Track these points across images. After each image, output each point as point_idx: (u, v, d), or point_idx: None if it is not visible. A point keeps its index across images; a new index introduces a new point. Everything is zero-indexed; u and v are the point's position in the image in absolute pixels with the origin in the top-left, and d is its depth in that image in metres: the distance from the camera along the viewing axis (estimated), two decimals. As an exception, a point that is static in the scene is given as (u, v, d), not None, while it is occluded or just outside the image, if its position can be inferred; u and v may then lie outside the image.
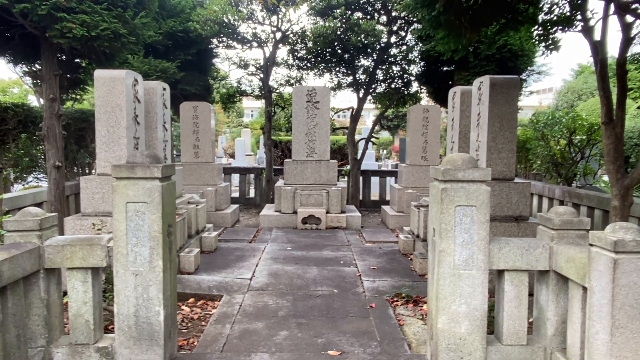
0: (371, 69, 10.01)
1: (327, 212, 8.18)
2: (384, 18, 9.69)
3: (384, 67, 10.14)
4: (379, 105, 11.43)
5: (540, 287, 3.04)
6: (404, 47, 10.06)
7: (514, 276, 2.98)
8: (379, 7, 9.44)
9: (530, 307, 3.10)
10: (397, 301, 4.54)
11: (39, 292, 2.90)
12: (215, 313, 4.15)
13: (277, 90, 10.73)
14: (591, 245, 2.51)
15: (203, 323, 4.00)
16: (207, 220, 7.38)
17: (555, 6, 4.52)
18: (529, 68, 9.30)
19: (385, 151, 27.65)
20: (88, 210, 5.07)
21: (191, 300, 4.50)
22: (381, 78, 10.33)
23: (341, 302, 4.44)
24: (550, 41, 4.68)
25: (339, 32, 8.96)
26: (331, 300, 4.49)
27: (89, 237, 3.12)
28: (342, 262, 5.84)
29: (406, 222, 7.91)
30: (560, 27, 4.50)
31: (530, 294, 3.05)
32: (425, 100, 12.72)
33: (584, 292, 2.61)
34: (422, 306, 4.39)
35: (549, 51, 4.77)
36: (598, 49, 3.89)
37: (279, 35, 9.56)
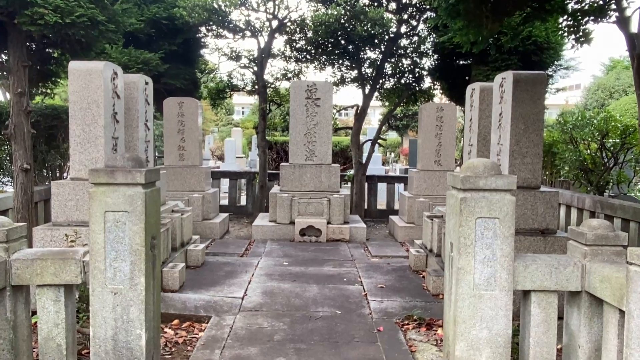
0: (378, 62, 10.04)
1: (328, 223, 8.18)
2: (393, 5, 9.74)
3: (392, 60, 10.18)
4: (387, 103, 11.47)
5: (571, 310, 3.04)
6: (416, 38, 10.11)
7: (542, 297, 2.98)
8: (388, -8, 9.52)
9: (560, 332, 3.10)
10: (408, 324, 4.53)
11: (4, 312, 2.88)
12: (202, 337, 4.14)
13: (273, 85, 10.76)
14: (630, 263, 2.50)
15: (189, 348, 3.98)
16: (194, 231, 7.36)
17: (586, -6, 4.55)
18: (555, 62, 9.36)
19: (393, 154, 27.71)
20: (60, 219, 5.06)
21: (176, 321, 4.48)
22: (390, 72, 10.37)
23: (345, 324, 4.43)
24: (580, 33, 4.71)
25: (342, 21, 9.00)
26: (334, 322, 4.48)
27: (62, 250, 3.11)
28: (345, 279, 5.83)
29: (417, 234, 7.90)
30: (592, 18, 4.54)
31: (560, 318, 3.05)
32: (439, 98, 12.77)
33: (621, 316, 2.60)
34: (436, 330, 4.38)
35: (579, 44, 4.80)
36: (635, 42, 3.91)
37: (275, 23, 9.60)
